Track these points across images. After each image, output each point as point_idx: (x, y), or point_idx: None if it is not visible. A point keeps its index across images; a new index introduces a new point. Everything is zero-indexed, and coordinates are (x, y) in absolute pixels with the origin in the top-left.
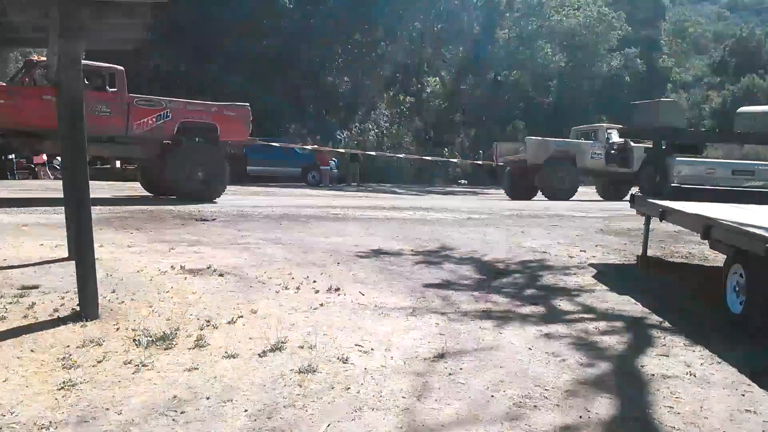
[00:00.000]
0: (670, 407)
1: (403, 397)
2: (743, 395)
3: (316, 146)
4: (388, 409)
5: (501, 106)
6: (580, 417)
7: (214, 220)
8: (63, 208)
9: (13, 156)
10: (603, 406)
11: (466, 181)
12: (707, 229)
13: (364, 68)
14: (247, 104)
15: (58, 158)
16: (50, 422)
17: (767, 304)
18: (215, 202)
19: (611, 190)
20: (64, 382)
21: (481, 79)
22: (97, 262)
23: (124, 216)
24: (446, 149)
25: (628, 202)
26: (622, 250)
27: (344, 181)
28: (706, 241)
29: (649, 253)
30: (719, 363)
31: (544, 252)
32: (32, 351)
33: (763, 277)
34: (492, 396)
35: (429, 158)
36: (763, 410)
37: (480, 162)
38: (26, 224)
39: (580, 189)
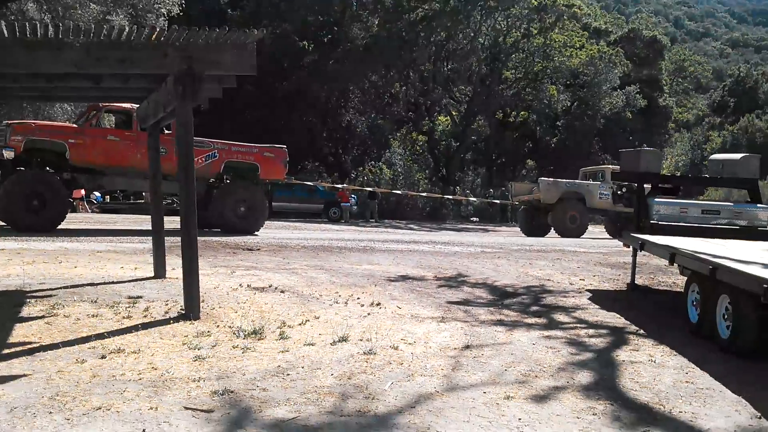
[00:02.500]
0: (632, 378)
1: (442, 369)
2: (687, 373)
3: (345, 185)
4: (432, 376)
5: (510, 145)
6: (567, 382)
7: (259, 249)
8: (125, 238)
9: None
10: (584, 377)
11: (477, 219)
12: (672, 256)
13: (379, 108)
14: (284, 146)
15: (96, 193)
16: (198, 378)
17: (714, 314)
18: (256, 235)
19: (618, 228)
20: (195, 357)
21: (490, 118)
22: (175, 282)
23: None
24: (458, 187)
25: None
26: (616, 279)
27: (363, 218)
28: (675, 265)
29: (639, 282)
30: (675, 355)
31: (547, 279)
32: (161, 338)
33: (709, 292)
34: (506, 370)
35: (449, 197)
36: (697, 382)
37: (497, 201)
38: (99, 251)
39: (590, 227)
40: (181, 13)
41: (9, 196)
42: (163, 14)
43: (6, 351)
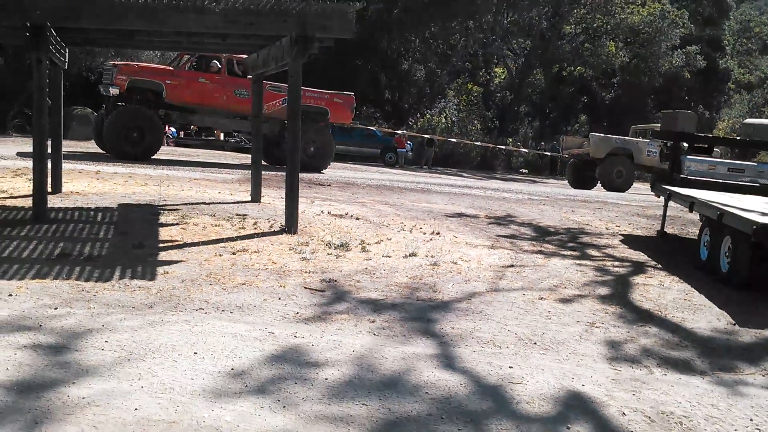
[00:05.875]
0: (641, 294)
1: (491, 278)
2: (686, 294)
3: (404, 131)
4: (484, 282)
5: (564, 100)
6: (588, 293)
7: (329, 185)
8: (213, 169)
9: None
10: (603, 290)
11: (527, 171)
12: (691, 204)
13: (438, 58)
14: (352, 93)
15: (171, 128)
16: (308, 270)
17: (719, 252)
18: (323, 173)
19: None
20: (301, 258)
21: (547, 72)
22: (269, 206)
23: (264, 179)
24: (510, 139)
25: None
26: (649, 227)
27: (416, 164)
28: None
29: (669, 231)
30: (681, 282)
31: (586, 224)
32: (272, 244)
33: (717, 234)
34: (541, 282)
35: (501, 147)
36: (693, 300)
37: (548, 153)
38: (196, 178)
39: (636, 184)
40: None
41: (113, 128)
42: None
43: (161, 245)
